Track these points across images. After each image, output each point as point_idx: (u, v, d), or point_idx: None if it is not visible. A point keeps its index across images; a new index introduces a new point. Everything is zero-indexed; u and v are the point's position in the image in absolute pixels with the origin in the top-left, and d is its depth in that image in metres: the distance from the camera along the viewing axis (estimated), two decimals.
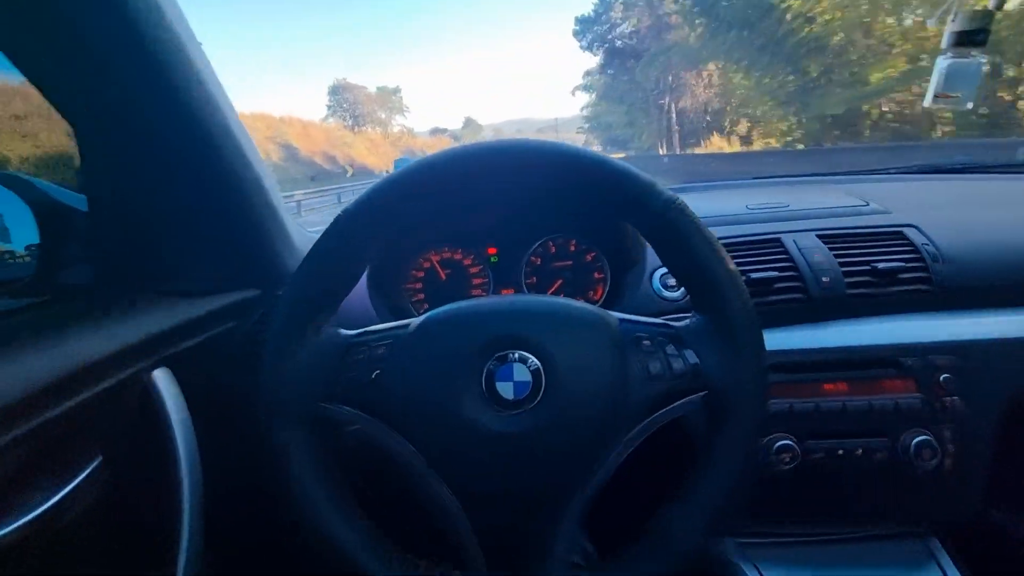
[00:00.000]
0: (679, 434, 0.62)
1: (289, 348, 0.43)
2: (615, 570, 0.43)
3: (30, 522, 0.44)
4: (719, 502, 0.41)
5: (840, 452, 0.63)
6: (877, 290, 0.68)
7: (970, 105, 0.88)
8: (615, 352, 0.42)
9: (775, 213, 0.81)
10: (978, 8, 0.82)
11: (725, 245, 0.72)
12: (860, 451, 0.63)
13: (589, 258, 0.81)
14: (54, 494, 0.47)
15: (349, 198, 0.61)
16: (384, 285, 0.78)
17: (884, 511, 0.67)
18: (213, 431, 0.60)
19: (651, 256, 0.73)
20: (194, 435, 0.58)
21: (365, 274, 0.72)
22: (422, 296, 0.80)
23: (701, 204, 0.85)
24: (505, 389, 0.41)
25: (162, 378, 0.57)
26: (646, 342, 0.43)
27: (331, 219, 0.44)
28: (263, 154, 0.75)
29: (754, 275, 0.68)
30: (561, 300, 0.46)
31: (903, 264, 0.69)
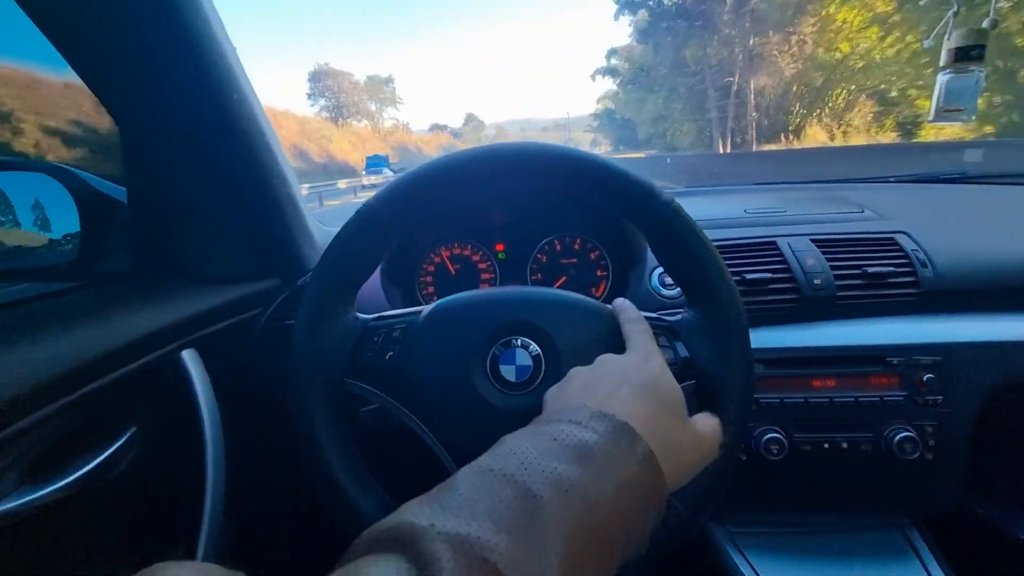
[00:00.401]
0: None
1: (315, 327, 0.46)
2: None
3: (71, 483, 0.48)
4: (710, 480, 0.43)
5: (826, 445, 0.66)
6: (866, 292, 0.71)
7: (974, 117, 0.91)
8: (611, 341, 0.46)
9: (772, 217, 0.84)
10: (973, 27, 0.85)
11: (723, 247, 0.76)
12: (845, 444, 0.66)
13: (593, 256, 0.84)
14: (92, 459, 0.51)
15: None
16: (397, 277, 0.82)
17: (868, 502, 0.70)
18: (235, 409, 0.64)
19: (652, 256, 0.77)
20: (218, 412, 0.62)
21: (380, 267, 0.76)
22: (432, 289, 0.84)
23: (702, 208, 0.89)
24: (508, 372, 0.45)
25: (191, 358, 0.61)
26: None
27: None
28: None
29: (749, 275, 0.72)
30: (563, 292, 0.49)
31: (892, 268, 0.72)
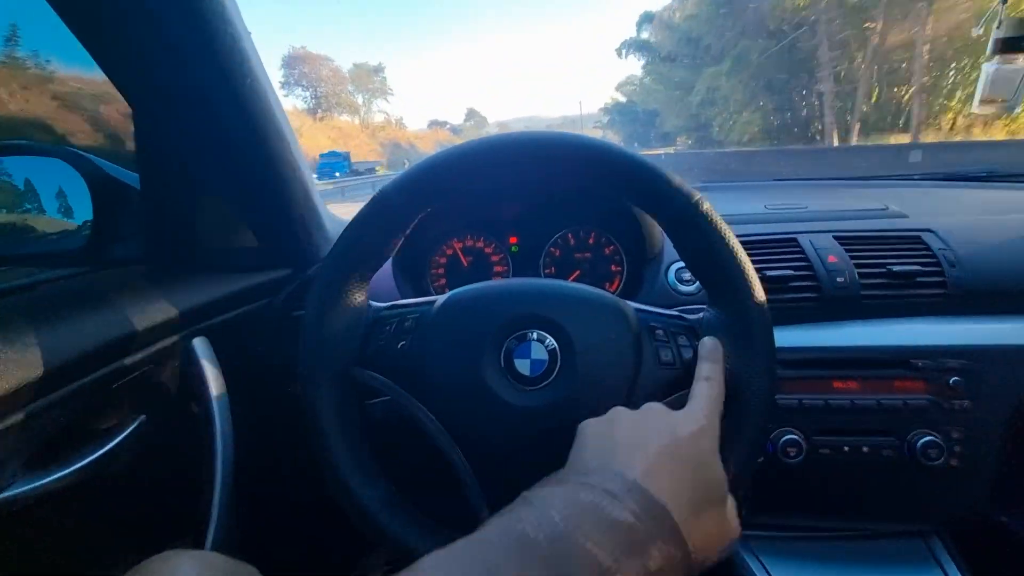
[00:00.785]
0: None
1: (326, 313, 0.45)
2: None
3: (80, 469, 0.48)
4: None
5: (846, 449, 0.64)
6: (891, 292, 0.69)
7: (1018, 110, 0.87)
8: (629, 338, 0.44)
9: (793, 214, 0.82)
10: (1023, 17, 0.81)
11: (742, 243, 0.73)
12: (866, 448, 0.64)
13: (608, 251, 0.83)
14: (102, 446, 0.51)
15: None
16: (409, 269, 0.81)
17: (888, 509, 0.68)
18: (244, 399, 0.64)
19: (668, 251, 0.75)
20: (228, 401, 0.61)
21: (391, 259, 0.75)
22: (444, 281, 0.83)
23: (720, 203, 0.86)
24: (523, 366, 0.43)
25: (201, 346, 0.61)
26: (659, 331, 0.45)
27: None
28: None
29: (769, 273, 0.70)
30: (581, 285, 0.48)
31: (919, 268, 0.69)
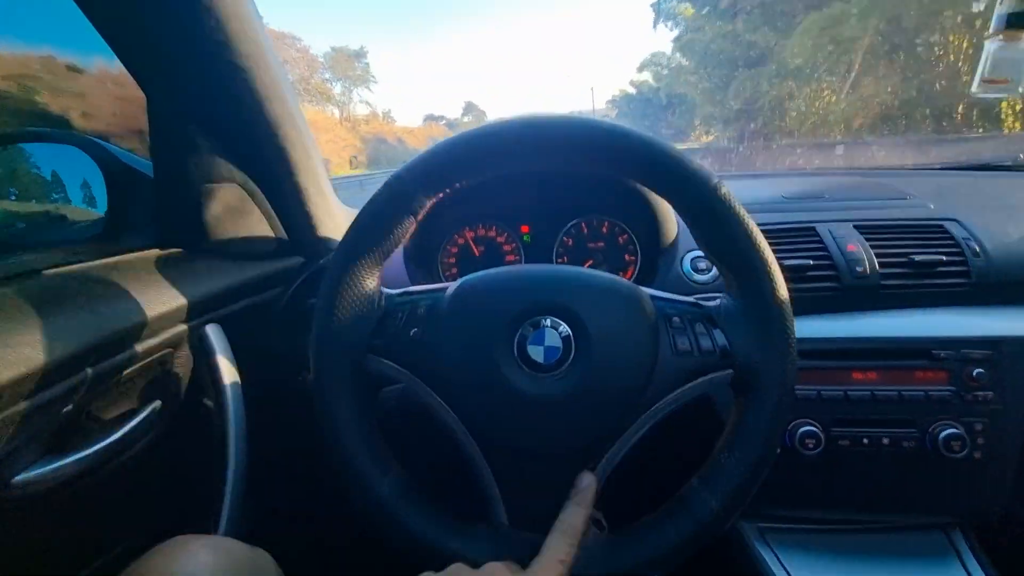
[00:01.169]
0: (708, 418, 0.64)
1: (339, 299, 0.45)
2: (634, 536, 0.44)
3: (95, 453, 0.48)
4: (741, 481, 0.42)
5: (865, 441, 0.63)
6: (912, 282, 0.68)
7: (1021, 90, 0.84)
8: (645, 325, 0.43)
9: (811, 203, 0.81)
10: None
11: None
12: (886, 440, 0.63)
13: (622, 239, 0.82)
14: (117, 431, 0.51)
15: None
16: (421, 258, 0.81)
17: (909, 502, 0.67)
18: (257, 387, 0.64)
19: (683, 240, 0.74)
20: (241, 388, 0.61)
21: (402, 248, 0.75)
22: (456, 271, 0.83)
23: (737, 192, 0.84)
24: (536, 353, 0.42)
25: (215, 333, 0.61)
26: (676, 319, 0.44)
27: None
28: None
29: (787, 262, 0.68)
30: (595, 272, 0.47)
31: (942, 257, 0.68)
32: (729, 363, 0.43)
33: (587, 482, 0.42)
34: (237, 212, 0.69)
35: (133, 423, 0.52)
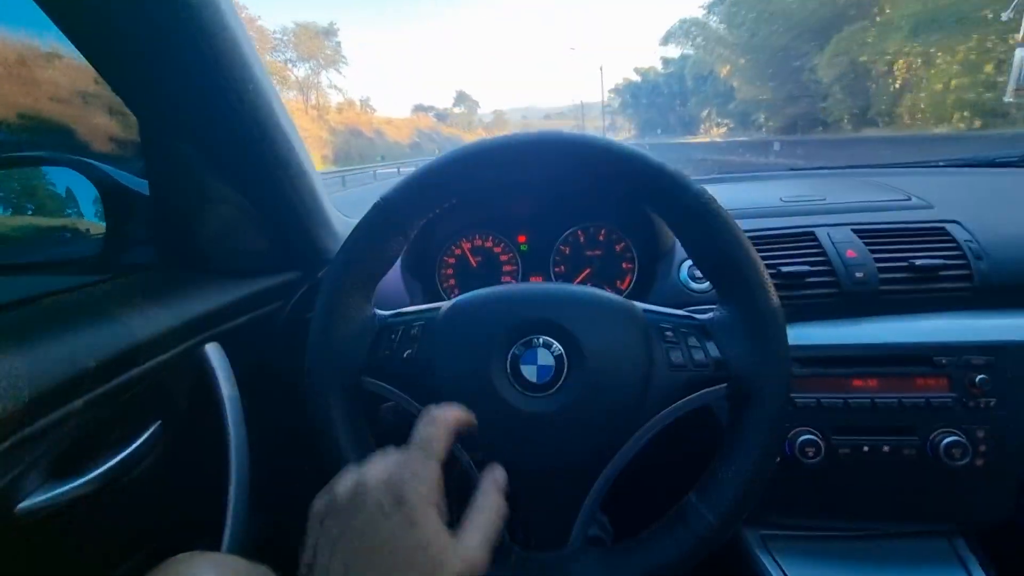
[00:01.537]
0: (704, 430, 0.64)
1: (332, 324, 0.45)
2: (635, 549, 0.44)
3: (98, 477, 0.49)
4: (740, 491, 0.42)
5: (866, 449, 0.63)
6: (913, 287, 0.67)
7: None
8: (638, 340, 0.43)
9: (810, 206, 0.80)
10: None
11: (757, 238, 0.72)
12: (887, 448, 0.62)
13: (618, 248, 0.81)
14: (118, 454, 0.51)
15: None
16: (418, 270, 0.81)
17: (910, 509, 0.66)
18: (258, 403, 0.65)
19: (681, 248, 0.74)
20: (241, 405, 0.62)
21: (400, 260, 0.75)
22: (453, 282, 0.83)
23: (735, 195, 0.85)
24: (529, 372, 0.42)
25: (215, 352, 0.61)
26: (669, 332, 0.44)
27: None
28: None
29: (785, 268, 0.68)
30: (586, 288, 0.47)
31: (943, 261, 0.67)
32: (724, 376, 0.43)
33: (495, 470, 0.40)
34: (234, 228, 0.69)
35: (134, 445, 0.53)
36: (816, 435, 0.63)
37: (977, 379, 0.61)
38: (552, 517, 0.44)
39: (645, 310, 0.46)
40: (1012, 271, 0.67)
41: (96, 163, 0.63)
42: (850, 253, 0.69)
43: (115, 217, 0.63)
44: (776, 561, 0.68)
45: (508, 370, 0.43)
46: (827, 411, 0.63)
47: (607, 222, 0.81)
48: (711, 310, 0.46)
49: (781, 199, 0.82)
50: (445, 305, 0.47)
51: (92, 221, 0.64)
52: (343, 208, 0.84)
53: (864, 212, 0.77)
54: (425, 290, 0.80)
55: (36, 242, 0.67)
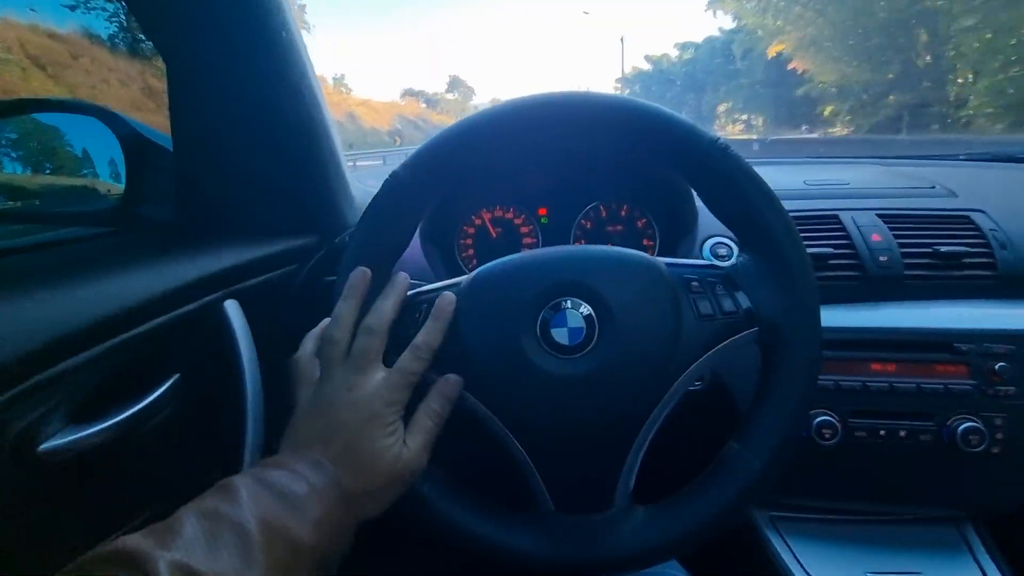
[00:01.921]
0: (716, 405, 0.64)
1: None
2: (682, 503, 0.44)
3: (118, 424, 0.49)
4: (781, 436, 0.41)
5: (882, 432, 0.63)
6: (937, 273, 0.67)
7: None
8: (665, 294, 0.43)
9: (834, 190, 0.79)
10: None
11: None
12: (903, 433, 0.62)
13: (640, 224, 0.81)
14: (137, 403, 0.51)
15: None
16: (437, 241, 0.80)
17: (923, 494, 0.67)
18: (272, 365, 0.64)
19: (703, 225, 0.73)
20: (258, 363, 0.62)
21: (419, 228, 0.74)
22: (472, 252, 0.82)
23: None
24: (561, 335, 0.42)
25: (233, 309, 0.61)
26: (695, 283, 0.44)
27: None
28: None
29: (809, 250, 0.67)
30: (609, 247, 0.46)
31: (967, 249, 0.67)
32: (754, 322, 0.43)
33: (442, 298, 0.45)
34: (254, 187, 0.68)
35: (154, 395, 0.52)
36: (833, 417, 0.63)
37: (997, 367, 0.61)
38: (595, 478, 0.44)
39: (668, 263, 0.45)
40: None
41: (119, 113, 0.62)
42: (875, 237, 0.68)
43: (136, 170, 0.63)
44: (786, 542, 0.68)
45: (539, 335, 0.43)
46: (845, 393, 0.63)
47: (629, 198, 0.81)
48: (734, 258, 0.46)
49: (805, 182, 0.81)
50: (466, 278, 0.46)
51: (112, 172, 0.63)
52: None
53: (888, 197, 0.76)
54: (444, 259, 0.80)
55: (53, 191, 0.66)
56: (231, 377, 0.60)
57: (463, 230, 0.83)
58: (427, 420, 0.43)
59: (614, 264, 0.45)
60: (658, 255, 0.79)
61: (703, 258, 0.71)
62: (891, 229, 0.69)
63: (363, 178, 0.87)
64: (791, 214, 0.71)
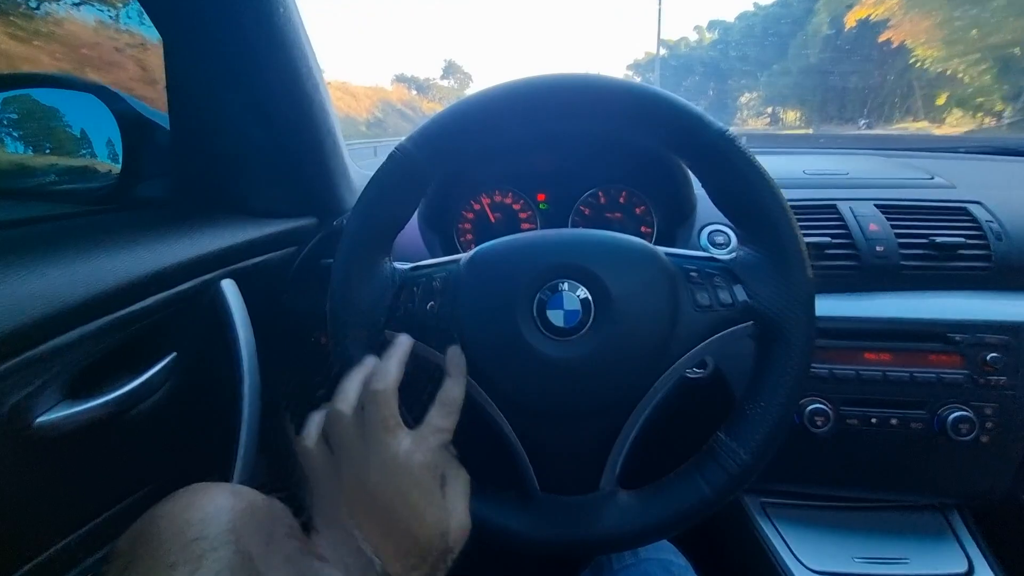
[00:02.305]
0: (713, 391, 0.64)
1: (352, 280, 0.45)
2: (665, 489, 0.44)
3: (114, 400, 0.49)
4: (770, 426, 0.42)
5: (874, 420, 0.63)
6: (932, 264, 0.67)
7: None
8: (663, 282, 0.43)
9: (833, 180, 0.79)
10: None
11: None
12: (895, 421, 0.63)
13: (639, 211, 0.81)
14: (134, 380, 0.52)
15: None
16: (436, 226, 0.80)
17: (912, 482, 0.67)
18: (268, 345, 0.64)
19: (701, 213, 0.73)
20: (255, 343, 0.62)
21: (417, 211, 0.74)
22: (471, 236, 0.82)
23: None
24: (556, 317, 0.42)
25: (230, 288, 0.61)
26: (693, 273, 0.44)
27: None
28: None
29: (807, 239, 0.67)
30: (609, 233, 0.46)
31: (963, 239, 0.67)
32: (750, 315, 0.43)
33: (452, 352, 0.44)
34: (252, 167, 0.68)
35: (150, 373, 0.53)
36: (826, 405, 0.63)
37: (990, 357, 0.61)
38: (582, 462, 0.44)
39: (668, 253, 0.45)
40: None
41: (117, 91, 0.61)
42: (872, 227, 0.68)
43: (133, 149, 0.62)
44: (776, 528, 0.69)
45: (535, 316, 0.43)
46: (839, 382, 0.64)
47: (628, 184, 0.81)
48: (733, 250, 0.46)
49: (804, 171, 0.81)
50: (466, 255, 0.46)
51: (109, 151, 0.63)
52: None
53: (887, 188, 0.76)
54: (443, 243, 0.80)
55: (50, 169, 0.66)
56: (228, 356, 0.60)
57: (462, 215, 0.82)
58: (464, 473, 0.42)
59: (614, 250, 0.45)
60: (656, 242, 0.80)
61: (700, 245, 0.71)
62: (888, 219, 0.69)
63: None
64: (790, 202, 0.71)
